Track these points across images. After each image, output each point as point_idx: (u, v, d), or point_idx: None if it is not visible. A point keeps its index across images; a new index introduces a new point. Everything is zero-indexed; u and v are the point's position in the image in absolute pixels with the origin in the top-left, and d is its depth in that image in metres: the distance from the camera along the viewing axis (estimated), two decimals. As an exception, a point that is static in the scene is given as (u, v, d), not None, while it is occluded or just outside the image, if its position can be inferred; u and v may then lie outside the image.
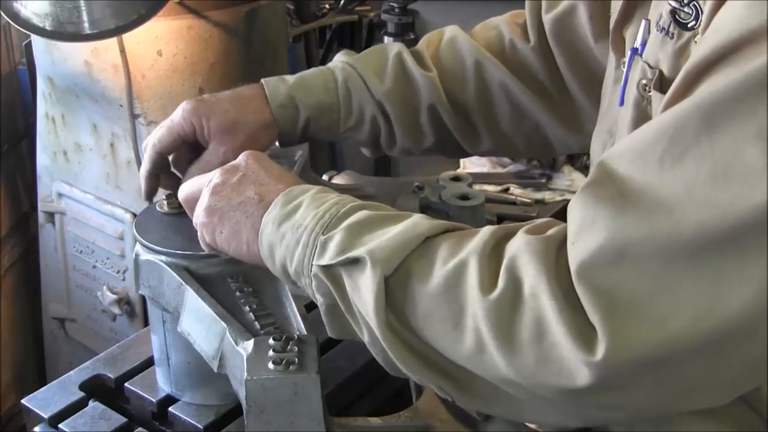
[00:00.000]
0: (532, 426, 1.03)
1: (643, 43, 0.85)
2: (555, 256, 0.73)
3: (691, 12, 0.76)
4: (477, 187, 1.42)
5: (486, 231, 0.79)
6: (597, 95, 1.09)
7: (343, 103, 1.19)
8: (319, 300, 0.86)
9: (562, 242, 0.74)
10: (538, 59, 1.22)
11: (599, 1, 1.10)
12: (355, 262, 0.81)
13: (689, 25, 0.76)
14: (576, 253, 0.71)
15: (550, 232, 0.77)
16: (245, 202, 0.92)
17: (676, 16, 0.78)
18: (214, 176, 0.95)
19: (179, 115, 1.12)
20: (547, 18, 1.19)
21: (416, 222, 0.83)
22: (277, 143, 1.21)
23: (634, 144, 0.72)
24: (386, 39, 2.43)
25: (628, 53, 0.89)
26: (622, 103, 0.89)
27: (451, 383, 0.81)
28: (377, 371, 1.18)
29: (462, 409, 0.99)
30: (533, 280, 0.72)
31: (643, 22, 0.86)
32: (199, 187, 0.97)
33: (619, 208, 0.69)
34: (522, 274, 0.73)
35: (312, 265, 0.84)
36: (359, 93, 1.19)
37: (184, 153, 1.14)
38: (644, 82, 0.83)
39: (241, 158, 0.97)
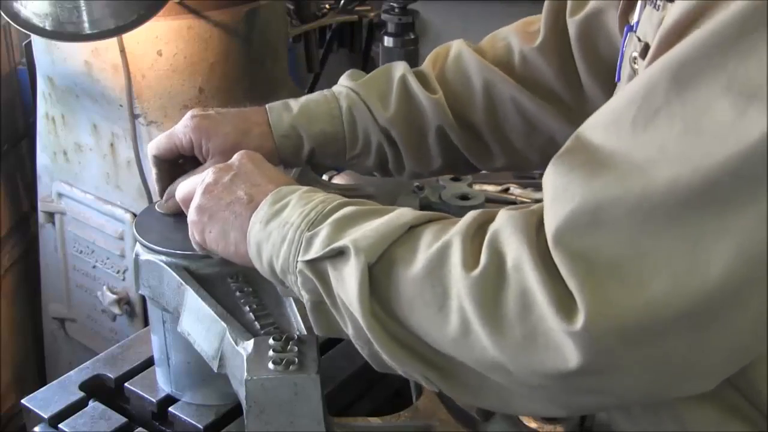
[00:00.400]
0: (532, 425, 1.03)
1: (638, 21, 0.85)
2: (536, 228, 0.73)
3: None
4: (477, 187, 1.42)
5: (469, 215, 0.79)
6: None
7: (348, 132, 1.17)
8: (305, 297, 0.85)
9: (542, 216, 0.73)
10: (552, 66, 1.19)
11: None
12: (340, 254, 0.81)
13: None
14: (550, 221, 0.70)
15: (532, 207, 0.76)
16: (235, 201, 0.92)
17: None
18: (208, 175, 0.95)
19: (182, 126, 1.11)
20: (574, 20, 1.16)
21: (401, 213, 0.83)
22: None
23: (607, 111, 0.72)
24: (386, 39, 2.43)
25: (625, 30, 0.89)
26: (619, 78, 0.89)
27: (437, 373, 0.80)
28: (377, 371, 1.19)
29: (462, 409, 0.99)
30: (515, 253, 0.71)
31: (639, 1, 0.86)
32: (194, 186, 0.97)
33: (592, 173, 0.69)
34: (504, 248, 0.73)
35: (297, 261, 0.84)
36: (364, 120, 1.17)
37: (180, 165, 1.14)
38: (634, 55, 0.83)
39: (236, 158, 0.97)
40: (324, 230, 0.83)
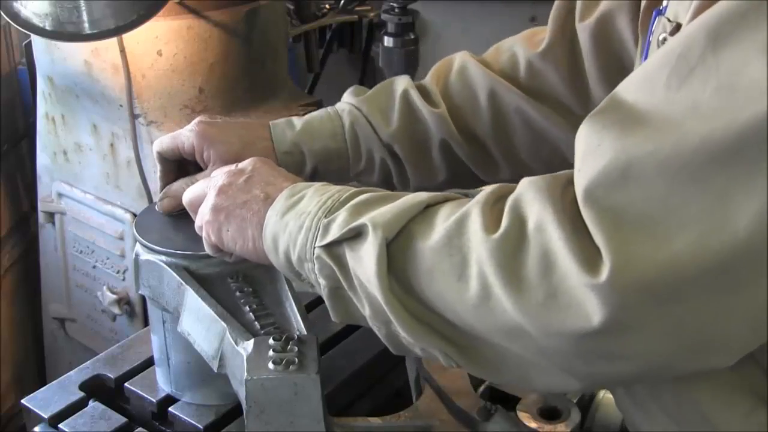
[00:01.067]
0: (532, 425, 1.03)
1: (666, 6, 0.85)
2: (561, 191, 0.73)
3: None
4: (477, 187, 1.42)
5: (488, 188, 0.80)
6: None
7: (351, 149, 1.17)
8: (322, 284, 0.86)
9: (568, 180, 0.74)
10: (558, 72, 1.18)
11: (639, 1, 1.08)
12: (357, 235, 0.81)
13: None
14: (582, 177, 0.71)
15: (556, 173, 0.77)
16: (251, 200, 0.92)
17: None
18: (220, 178, 0.96)
19: (187, 129, 1.12)
20: (583, 26, 1.15)
21: (417, 194, 0.84)
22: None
23: (643, 71, 0.73)
24: (386, 39, 2.43)
25: (653, 15, 0.89)
26: (645, 58, 0.89)
27: (456, 349, 0.80)
28: (377, 371, 1.19)
29: (462, 409, 0.99)
30: (538, 215, 0.72)
31: None
32: (203, 190, 0.98)
33: (625, 130, 0.69)
34: (526, 211, 0.73)
35: (314, 248, 0.84)
36: (366, 136, 1.17)
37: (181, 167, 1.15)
38: (664, 36, 0.83)
39: (248, 162, 0.98)
40: (341, 215, 0.83)
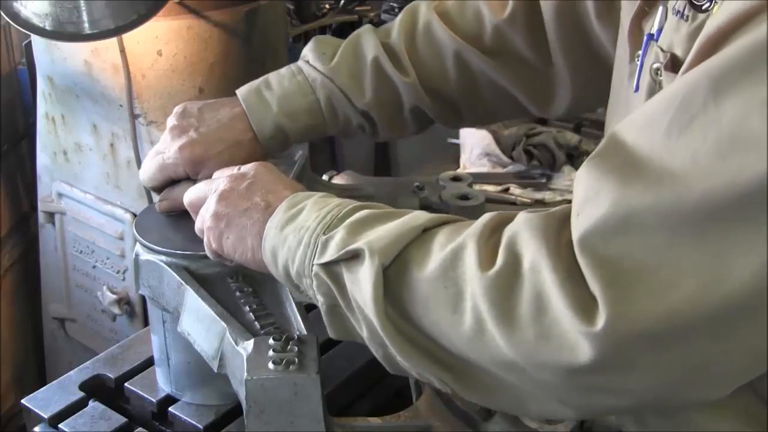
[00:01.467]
0: (532, 425, 1.03)
1: (660, 30, 0.85)
2: (557, 232, 0.73)
3: None
4: (477, 187, 1.42)
5: (485, 216, 0.80)
6: (582, 68, 1.17)
7: (329, 121, 1.20)
8: (320, 300, 0.86)
9: (564, 219, 0.74)
10: (521, 36, 1.20)
11: None
12: (355, 257, 0.82)
13: (704, 7, 0.76)
14: (579, 224, 0.71)
15: (551, 210, 0.77)
16: (252, 208, 0.92)
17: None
18: (222, 183, 0.96)
19: (172, 158, 1.12)
20: (546, 3, 1.18)
21: (415, 215, 0.84)
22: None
23: (643, 114, 0.72)
24: (386, 39, 2.42)
25: (644, 40, 0.88)
26: (637, 89, 0.89)
27: (451, 375, 0.80)
28: (377, 371, 1.18)
29: (462, 409, 0.99)
30: (533, 255, 0.72)
31: (660, 8, 0.86)
32: (205, 192, 0.98)
33: (625, 178, 0.69)
34: (522, 249, 0.73)
35: (313, 265, 0.84)
36: (343, 108, 1.20)
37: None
38: (656, 66, 0.83)
39: (250, 167, 0.98)
40: (339, 233, 0.84)
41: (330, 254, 0.83)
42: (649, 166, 0.68)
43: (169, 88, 1.72)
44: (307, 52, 1.23)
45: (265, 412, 0.88)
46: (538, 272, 0.71)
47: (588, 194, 0.71)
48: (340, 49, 1.22)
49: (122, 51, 1.65)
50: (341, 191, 1.34)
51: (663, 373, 0.70)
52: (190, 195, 1.02)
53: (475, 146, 1.79)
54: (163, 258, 1.02)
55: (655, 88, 0.84)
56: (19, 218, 2.18)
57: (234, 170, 0.99)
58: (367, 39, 1.22)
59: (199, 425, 1.05)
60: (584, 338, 0.68)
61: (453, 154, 1.85)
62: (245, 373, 0.88)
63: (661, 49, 0.83)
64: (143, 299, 1.44)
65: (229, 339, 0.93)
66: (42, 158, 1.98)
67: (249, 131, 1.16)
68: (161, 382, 1.11)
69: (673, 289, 0.66)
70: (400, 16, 1.26)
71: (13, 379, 2.13)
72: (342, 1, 2.53)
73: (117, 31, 1.55)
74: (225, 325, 0.94)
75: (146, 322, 1.41)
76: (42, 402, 1.10)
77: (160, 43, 1.68)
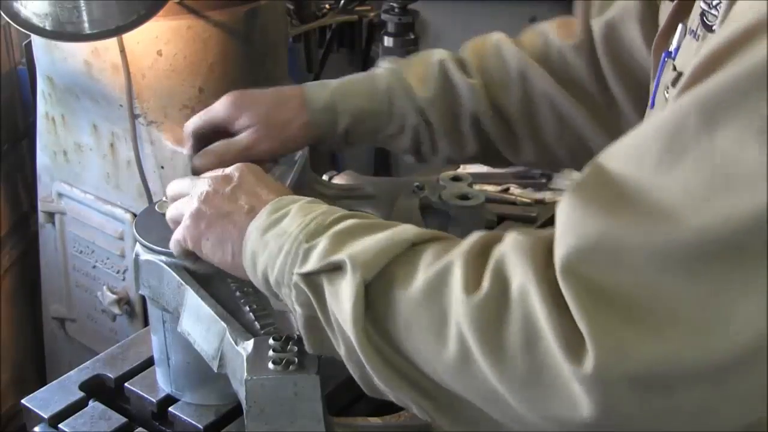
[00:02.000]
0: None
1: (677, 48, 0.82)
2: (546, 257, 0.68)
3: (717, 14, 0.72)
4: (477, 187, 1.42)
5: (474, 235, 0.76)
6: (643, 105, 1.04)
7: (385, 110, 1.17)
8: (298, 312, 0.83)
9: (551, 246, 0.69)
10: (587, 68, 1.18)
11: (652, 2, 1.06)
12: (337, 269, 0.78)
13: (713, 27, 0.73)
14: (561, 250, 0.66)
15: (541, 234, 0.72)
16: (235, 212, 0.90)
17: (704, 18, 0.75)
18: (205, 183, 0.94)
19: (219, 102, 1.15)
20: (597, 21, 1.15)
21: (403, 229, 0.80)
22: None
23: (631, 143, 0.68)
24: (386, 39, 2.43)
25: (662, 57, 0.86)
26: (652, 106, 0.87)
27: (431, 403, 0.76)
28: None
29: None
30: (521, 279, 0.67)
31: (680, 26, 0.83)
32: (187, 189, 0.96)
33: (612, 210, 0.65)
34: (510, 273, 0.68)
35: (293, 274, 0.81)
36: (401, 100, 1.17)
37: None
38: (667, 86, 0.81)
39: (234, 169, 0.95)
40: (322, 242, 0.80)
41: (311, 264, 0.79)
42: (639, 198, 0.64)
43: (169, 88, 1.73)
44: (381, 61, 1.23)
45: (265, 412, 0.88)
46: (526, 299, 0.66)
47: (570, 220, 0.67)
48: (412, 55, 1.23)
49: (122, 51, 1.65)
50: (341, 191, 1.34)
51: (659, 423, 0.65)
52: (173, 186, 1.00)
53: (475, 146, 1.79)
54: (163, 258, 1.02)
55: (665, 106, 0.79)
56: (19, 218, 2.18)
57: (218, 172, 0.96)
58: (437, 50, 1.23)
59: (199, 425, 1.05)
60: (576, 381, 0.63)
61: (453, 154, 1.85)
62: (245, 373, 0.88)
63: (674, 68, 0.79)
64: (143, 299, 1.44)
65: (229, 339, 0.93)
66: (42, 158, 1.98)
67: (299, 98, 1.15)
68: (161, 382, 1.11)
69: (666, 331, 0.61)
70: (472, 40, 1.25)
71: (13, 379, 2.13)
72: (342, 1, 2.53)
73: (117, 31, 1.55)
74: (225, 325, 0.94)
75: (146, 322, 1.41)
76: (42, 402, 1.10)
77: (160, 43, 1.69)
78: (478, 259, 0.72)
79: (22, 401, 1.11)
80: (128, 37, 1.63)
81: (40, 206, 2.01)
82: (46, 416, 1.08)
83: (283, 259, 0.82)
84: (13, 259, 2.15)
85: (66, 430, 1.07)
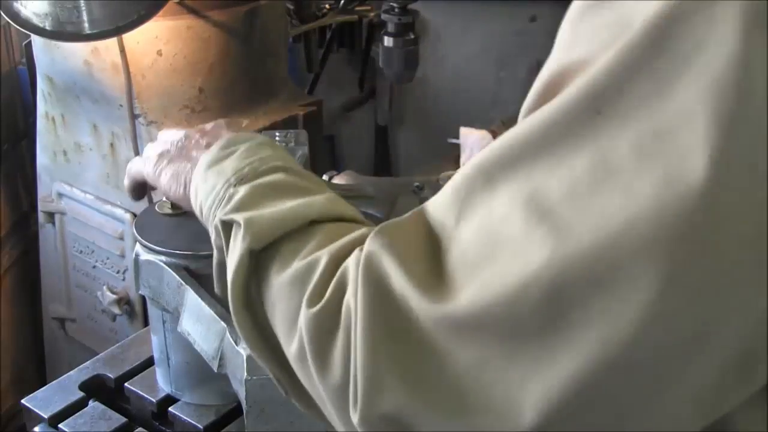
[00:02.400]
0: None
1: None
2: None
3: None
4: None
5: (355, 233, 0.72)
6: None
7: None
8: (214, 252, 0.83)
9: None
10: None
11: None
12: (238, 225, 0.77)
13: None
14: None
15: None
16: (194, 148, 0.95)
17: None
18: (181, 133, 0.99)
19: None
20: None
21: (311, 201, 0.78)
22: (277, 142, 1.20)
23: (447, 189, 0.64)
24: (386, 39, 2.43)
25: None
26: None
27: (287, 378, 0.76)
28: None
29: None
30: (349, 299, 0.64)
31: None
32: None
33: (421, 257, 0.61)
34: (347, 285, 0.66)
35: (215, 216, 0.81)
36: None
37: None
38: None
39: (213, 123, 1.00)
40: (242, 191, 0.80)
41: (227, 211, 0.79)
42: (443, 249, 0.61)
43: (169, 88, 1.73)
44: None
45: (265, 412, 0.88)
46: (349, 317, 0.63)
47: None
48: None
49: (122, 51, 1.65)
50: (341, 191, 1.34)
51: None
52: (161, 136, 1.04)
53: (475, 146, 1.79)
54: (163, 258, 1.02)
55: None
56: (19, 218, 2.18)
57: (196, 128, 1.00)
58: None
59: (199, 425, 1.05)
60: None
61: (453, 154, 1.85)
62: (245, 373, 0.88)
63: None
64: (143, 299, 1.44)
65: (229, 339, 0.93)
66: (42, 158, 1.98)
67: None
68: (161, 382, 1.11)
69: (431, 393, 0.58)
70: None
71: (13, 379, 2.13)
72: (342, 1, 2.53)
73: (117, 31, 1.55)
74: (225, 325, 0.94)
75: (146, 322, 1.41)
76: (42, 402, 1.10)
77: (160, 43, 1.69)
78: (338, 262, 0.69)
79: (22, 401, 1.11)
80: (128, 37, 1.63)
81: (40, 206, 2.01)
82: (46, 416, 1.08)
83: (212, 199, 0.83)
84: (13, 259, 2.15)
85: (66, 430, 1.07)
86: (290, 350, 0.71)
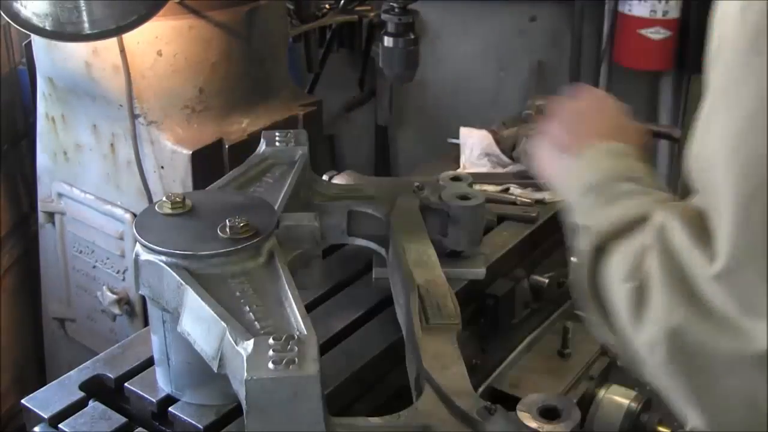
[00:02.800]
0: (532, 425, 1.03)
1: None
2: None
3: None
4: (477, 187, 1.42)
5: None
6: None
7: None
8: None
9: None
10: None
11: None
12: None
13: None
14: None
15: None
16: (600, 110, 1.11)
17: None
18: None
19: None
20: None
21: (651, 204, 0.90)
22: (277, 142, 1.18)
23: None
24: (386, 39, 2.43)
25: None
26: None
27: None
28: (377, 371, 1.19)
29: (462, 408, 0.99)
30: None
31: None
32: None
33: None
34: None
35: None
36: None
37: None
38: None
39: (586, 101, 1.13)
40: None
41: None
42: None
43: (170, 89, 1.73)
44: None
45: (265, 412, 0.88)
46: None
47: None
48: None
49: (122, 51, 1.65)
50: (341, 191, 1.34)
51: None
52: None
53: (475, 146, 1.79)
54: (163, 258, 1.02)
55: None
56: (19, 218, 2.18)
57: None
58: None
59: (199, 425, 1.05)
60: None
61: (453, 154, 1.85)
62: (245, 373, 0.88)
63: None
64: (143, 299, 1.44)
65: (229, 339, 0.93)
66: (42, 158, 1.98)
67: None
68: (161, 382, 1.11)
69: None
70: None
71: (13, 379, 2.13)
72: (342, 1, 2.53)
73: (117, 31, 1.55)
74: (225, 325, 0.94)
75: (146, 322, 1.41)
76: (42, 402, 1.10)
77: (161, 43, 1.69)
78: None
79: (22, 401, 1.10)
80: (128, 37, 1.63)
81: (40, 206, 2.01)
82: (46, 416, 1.08)
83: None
84: (13, 259, 2.15)
85: (66, 430, 1.07)
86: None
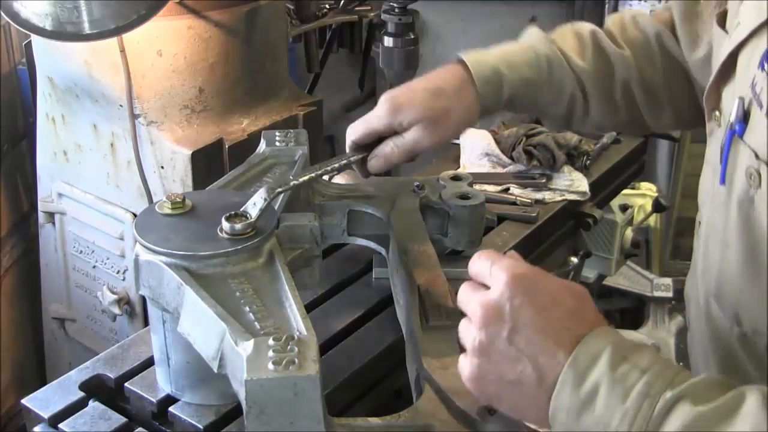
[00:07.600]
0: (532, 426, 1.03)
1: (740, 123, 0.85)
2: None
3: None
4: (477, 187, 1.42)
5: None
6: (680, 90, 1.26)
7: (545, 80, 1.24)
8: None
9: None
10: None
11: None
12: None
13: None
14: None
15: None
16: (521, 381, 0.81)
17: None
18: (476, 332, 0.83)
19: (377, 110, 1.21)
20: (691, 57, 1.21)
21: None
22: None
23: None
24: (386, 39, 2.43)
25: (726, 134, 0.89)
26: (723, 181, 0.90)
27: None
28: (377, 371, 1.19)
29: (462, 409, 0.99)
30: None
31: (737, 101, 0.86)
32: (487, 274, 0.86)
33: None
34: None
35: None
36: (560, 70, 1.24)
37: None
38: (752, 172, 0.85)
39: (505, 300, 0.82)
40: None
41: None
42: None
43: (169, 89, 1.73)
44: (524, 34, 1.30)
45: (265, 412, 0.88)
46: None
47: None
48: (558, 29, 1.30)
49: (122, 51, 1.65)
50: (341, 191, 1.34)
51: None
52: (472, 266, 0.88)
53: (475, 146, 1.79)
54: (163, 258, 1.02)
55: (749, 190, 0.85)
56: (19, 218, 2.18)
57: (484, 297, 0.84)
58: (583, 23, 1.31)
59: (199, 425, 1.05)
60: None
61: (453, 154, 1.85)
62: (245, 374, 0.88)
63: (756, 156, 0.82)
64: (143, 299, 1.44)
65: (229, 339, 0.93)
66: (42, 158, 1.98)
67: (461, 77, 1.20)
68: (161, 382, 1.11)
69: None
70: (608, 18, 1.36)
71: (13, 379, 2.13)
72: (342, 1, 2.53)
73: (117, 31, 1.55)
74: (225, 326, 0.94)
75: (146, 322, 1.41)
76: (42, 402, 1.10)
77: (160, 43, 1.69)
78: None
79: (22, 401, 1.10)
80: (128, 37, 1.63)
81: (40, 206, 2.01)
82: (46, 416, 1.08)
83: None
84: (13, 259, 2.15)
85: (66, 430, 1.06)
86: None
